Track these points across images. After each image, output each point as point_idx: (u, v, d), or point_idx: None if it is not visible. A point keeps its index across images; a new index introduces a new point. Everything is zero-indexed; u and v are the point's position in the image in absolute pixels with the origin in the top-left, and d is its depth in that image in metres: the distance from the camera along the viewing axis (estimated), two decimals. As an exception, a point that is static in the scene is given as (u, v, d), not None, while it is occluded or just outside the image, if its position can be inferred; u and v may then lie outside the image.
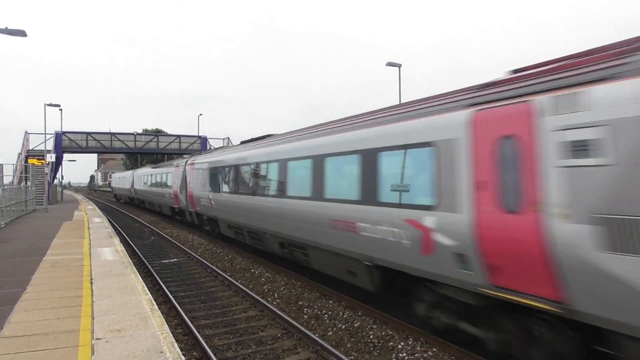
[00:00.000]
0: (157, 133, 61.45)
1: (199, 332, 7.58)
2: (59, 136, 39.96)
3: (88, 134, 42.32)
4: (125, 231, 22.91)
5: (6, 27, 17.15)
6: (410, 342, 7.23)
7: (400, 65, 20.42)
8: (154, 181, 32.34)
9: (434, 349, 6.97)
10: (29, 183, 29.09)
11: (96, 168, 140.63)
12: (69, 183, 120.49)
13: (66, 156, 46.67)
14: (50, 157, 34.73)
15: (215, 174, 16.92)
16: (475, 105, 5.99)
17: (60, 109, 38.86)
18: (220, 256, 15.57)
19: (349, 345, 7.31)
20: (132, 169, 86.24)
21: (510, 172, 5.39)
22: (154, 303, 6.60)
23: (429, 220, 6.40)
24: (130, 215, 34.34)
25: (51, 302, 6.62)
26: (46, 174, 35.17)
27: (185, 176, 21.54)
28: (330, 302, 9.66)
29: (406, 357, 6.70)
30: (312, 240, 9.84)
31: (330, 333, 7.87)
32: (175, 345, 4.94)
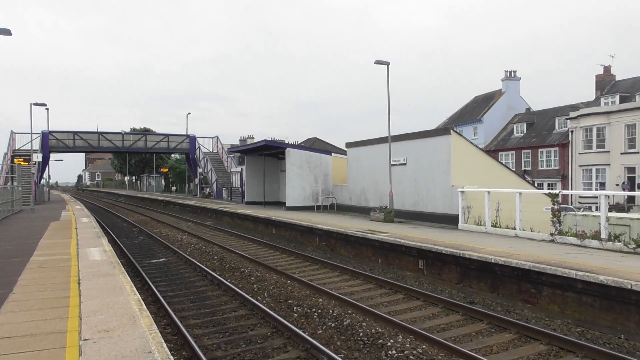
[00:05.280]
0: (145, 132, 61.01)
1: (188, 331, 7.54)
2: (45, 136, 39.55)
3: (75, 133, 41.94)
4: (114, 231, 22.74)
5: (-10, 25, 16.91)
6: (399, 339, 7.26)
7: (388, 63, 20.44)
8: None
9: (424, 346, 7.01)
10: (15, 183, 28.72)
11: (84, 168, 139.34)
12: (56, 183, 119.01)
13: (53, 156, 46.14)
14: (37, 157, 34.35)
15: None
16: None
17: (47, 108, 38.47)
18: (210, 255, 15.52)
19: (338, 343, 7.33)
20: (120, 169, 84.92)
21: None
22: (143, 303, 6.55)
23: None
24: (118, 215, 34.09)
25: (38, 303, 6.55)
26: (33, 174, 34.79)
27: None
28: (320, 300, 9.68)
29: (396, 355, 6.73)
30: None
31: (320, 331, 7.88)
32: (164, 345, 4.91)
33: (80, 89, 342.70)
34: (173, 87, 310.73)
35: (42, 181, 42.85)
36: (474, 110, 53.07)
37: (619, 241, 11.25)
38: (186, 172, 55.06)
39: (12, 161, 34.05)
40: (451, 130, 18.76)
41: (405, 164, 20.56)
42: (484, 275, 10.45)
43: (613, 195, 30.30)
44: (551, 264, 9.14)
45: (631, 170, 34.02)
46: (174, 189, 67.23)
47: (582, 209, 24.75)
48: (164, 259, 15.15)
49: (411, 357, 6.64)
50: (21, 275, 8.51)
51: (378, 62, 20.41)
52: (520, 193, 14.05)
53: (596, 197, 27.96)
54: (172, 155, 64.41)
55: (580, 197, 34.72)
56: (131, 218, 31.27)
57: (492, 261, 10.04)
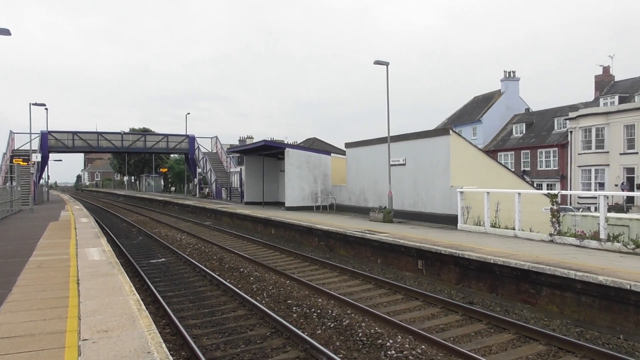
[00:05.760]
0: (145, 132, 60.99)
1: (187, 331, 7.54)
2: (44, 136, 39.51)
3: (74, 133, 41.90)
4: (113, 231, 22.72)
5: (-11, 25, 16.91)
6: (399, 340, 7.27)
7: (388, 63, 20.44)
8: None
9: (423, 346, 7.02)
10: (14, 183, 28.70)
11: (83, 168, 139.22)
12: (55, 183, 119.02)
13: (52, 156, 46.12)
14: (36, 157, 34.33)
15: None
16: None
17: (46, 108, 38.39)
18: (209, 255, 15.51)
19: (337, 344, 7.33)
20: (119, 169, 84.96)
21: None
22: (142, 303, 6.55)
23: None
24: (117, 215, 34.06)
25: (37, 304, 6.54)
26: (32, 174, 34.78)
27: None
28: (319, 300, 9.68)
29: (395, 355, 6.73)
30: None
31: (319, 331, 7.88)
32: (163, 345, 4.91)
33: (80, 89, 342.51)
34: (173, 87, 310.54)
35: (41, 181, 42.81)
36: (474, 110, 53.10)
37: (618, 241, 11.26)
38: (185, 172, 55.04)
39: (11, 161, 34.05)
40: (450, 131, 18.77)
41: (404, 164, 20.57)
42: (483, 276, 10.46)
43: (612, 196, 30.34)
44: (550, 264, 9.15)
45: (630, 170, 34.04)
46: (173, 189, 67.20)
47: (581, 210, 24.79)
48: (163, 259, 15.14)
49: (410, 357, 6.64)
50: (20, 275, 8.51)
51: (377, 63, 20.41)
52: (519, 193, 14.06)
53: (595, 198, 27.98)
54: (172, 155, 64.44)
55: (579, 197, 34.73)
56: (130, 218, 31.24)
57: (491, 261, 10.05)
